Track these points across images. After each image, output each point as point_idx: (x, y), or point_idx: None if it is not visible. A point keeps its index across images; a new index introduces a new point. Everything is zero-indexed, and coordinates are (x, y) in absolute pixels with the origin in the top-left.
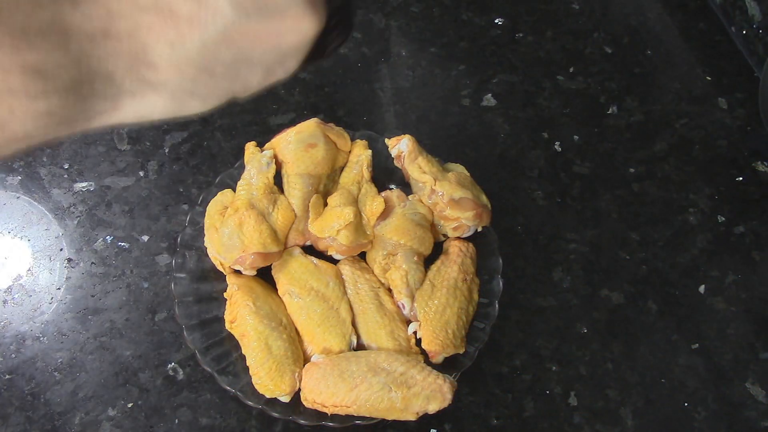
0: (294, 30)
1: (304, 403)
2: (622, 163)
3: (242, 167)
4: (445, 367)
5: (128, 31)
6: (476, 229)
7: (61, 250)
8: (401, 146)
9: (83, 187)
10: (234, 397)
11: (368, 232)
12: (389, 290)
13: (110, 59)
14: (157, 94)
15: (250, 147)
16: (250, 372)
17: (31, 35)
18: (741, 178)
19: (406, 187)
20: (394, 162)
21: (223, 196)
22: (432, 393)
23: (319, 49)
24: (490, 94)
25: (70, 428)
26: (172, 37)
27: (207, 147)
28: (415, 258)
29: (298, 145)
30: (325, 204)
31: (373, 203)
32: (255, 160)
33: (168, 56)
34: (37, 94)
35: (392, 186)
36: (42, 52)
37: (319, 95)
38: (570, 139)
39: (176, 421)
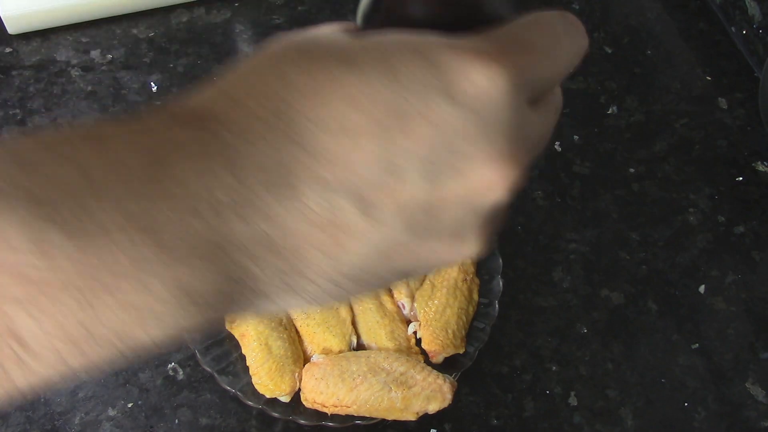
0: (455, 253)
1: (304, 403)
2: (622, 163)
3: None
4: (445, 367)
5: (294, 248)
6: None
7: None
8: None
9: None
10: (234, 397)
11: None
12: (389, 290)
13: (265, 275)
14: (297, 296)
15: None
16: (250, 372)
17: (182, 249)
18: (741, 178)
19: None
20: None
21: None
22: (432, 393)
23: None
24: None
25: (70, 428)
26: (334, 252)
27: None
28: None
29: None
30: None
31: None
32: None
33: (324, 270)
34: (176, 314)
35: None
36: (195, 270)
37: None
38: (570, 139)
39: (176, 421)
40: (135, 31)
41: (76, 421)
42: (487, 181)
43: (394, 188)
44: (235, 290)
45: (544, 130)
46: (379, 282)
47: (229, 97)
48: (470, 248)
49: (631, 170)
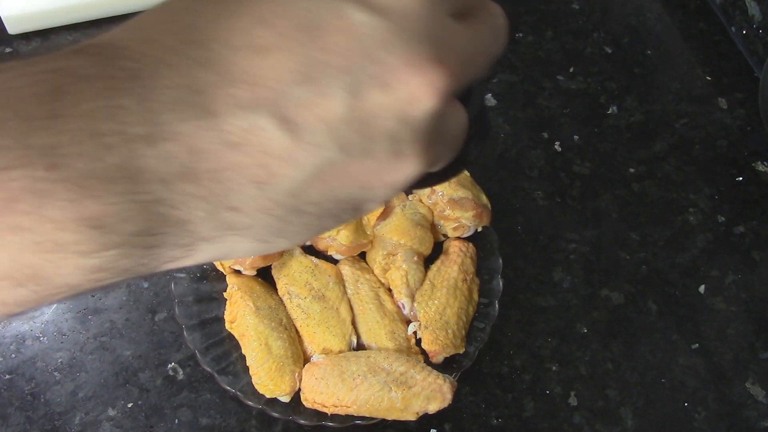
0: (396, 172)
1: (304, 403)
2: (622, 163)
3: None
4: (445, 367)
5: (210, 172)
6: (476, 229)
7: None
8: None
9: None
10: (234, 397)
11: (368, 232)
12: (389, 290)
13: (185, 205)
14: (238, 236)
15: None
16: (250, 372)
17: (93, 183)
18: (741, 178)
19: None
20: None
21: None
22: (432, 393)
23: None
24: (490, 94)
25: (70, 428)
26: (261, 178)
27: None
28: (415, 258)
29: None
30: None
31: None
32: None
33: (254, 198)
34: (92, 250)
35: None
36: (103, 203)
37: None
38: (570, 139)
39: (176, 421)
40: None
41: (76, 421)
42: (412, 88)
43: (315, 103)
44: (158, 224)
45: (479, 45)
46: (323, 213)
47: (137, 31)
48: (411, 166)
49: (631, 170)
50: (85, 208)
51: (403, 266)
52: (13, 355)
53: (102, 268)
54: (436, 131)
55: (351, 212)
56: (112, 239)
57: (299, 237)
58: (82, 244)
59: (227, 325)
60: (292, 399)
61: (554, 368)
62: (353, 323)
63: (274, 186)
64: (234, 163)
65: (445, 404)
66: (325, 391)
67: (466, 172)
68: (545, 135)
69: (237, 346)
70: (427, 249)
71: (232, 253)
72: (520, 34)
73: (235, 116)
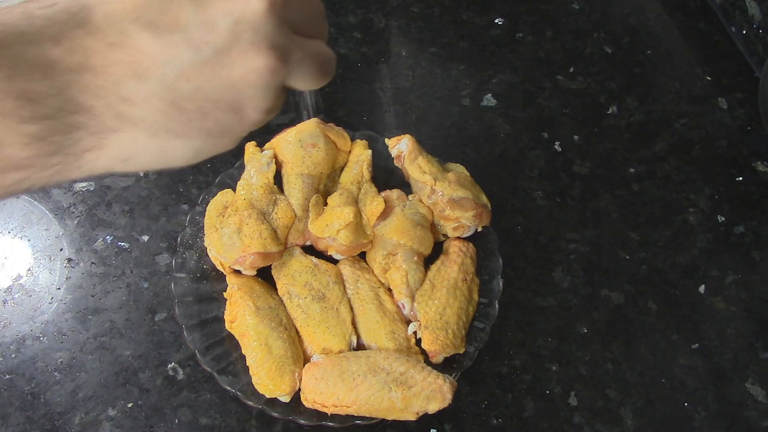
0: (242, 64)
1: (304, 403)
2: (622, 163)
3: (242, 167)
4: (445, 367)
5: (102, 65)
6: (476, 229)
7: (61, 250)
8: (401, 146)
9: (83, 187)
10: (234, 397)
11: (368, 232)
12: (389, 290)
13: (89, 92)
14: (136, 129)
15: (250, 147)
16: (250, 372)
17: (22, 67)
18: (741, 178)
19: (406, 187)
20: (394, 162)
21: (223, 196)
22: (432, 393)
23: None
24: (490, 94)
25: (70, 428)
26: (138, 71)
27: None
28: (415, 258)
29: (298, 145)
30: (325, 204)
31: (373, 203)
32: (255, 160)
33: (137, 90)
34: (28, 118)
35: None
36: (31, 81)
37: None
38: (570, 139)
39: (176, 421)
40: None
41: (76, 421)
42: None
43: (168, 9)
44: (72, 106)
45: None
46: (201, 111)
47: None
48: (261, 59)
49: (631, 170)
50: (19, 84)
51: (403, 266)
52: (13, 355)
53: (38, 136)
54: (276, 29)
55: (231, 116)
56: (40, 109)
57: (190, 138)
58: (21, 110)
59: (227, 325)
60: (292, 399)
61: (554, 368)
62: (353, 323)
63: (150, 79)
64: (117, 59)
65: (445, 404)
66: (325, 391)
67: (466, 172)
68: (545, 135)
69: (237, 346)
70: (427, 249)
71: (136, 149)
72: (520, 34)
73: (111, 24)
